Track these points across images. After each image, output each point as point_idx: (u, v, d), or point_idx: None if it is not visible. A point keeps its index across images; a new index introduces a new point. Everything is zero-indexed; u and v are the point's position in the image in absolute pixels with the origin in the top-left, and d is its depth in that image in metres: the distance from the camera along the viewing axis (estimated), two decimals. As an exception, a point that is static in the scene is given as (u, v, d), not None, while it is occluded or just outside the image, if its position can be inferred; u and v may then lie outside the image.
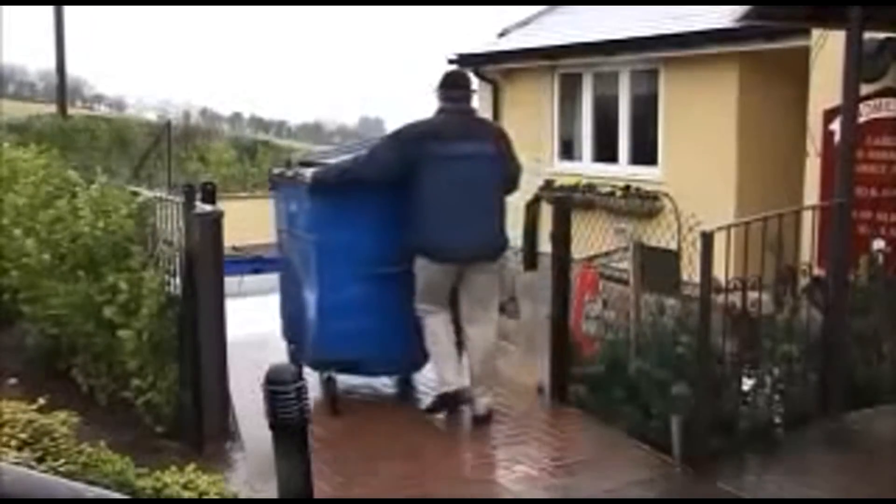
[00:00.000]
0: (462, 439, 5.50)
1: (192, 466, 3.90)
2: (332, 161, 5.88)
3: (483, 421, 5.52)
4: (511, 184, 5.89)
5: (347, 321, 5.53)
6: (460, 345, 5.69)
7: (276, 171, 6.44)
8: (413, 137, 5.47)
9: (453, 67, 5.43)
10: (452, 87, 5.62)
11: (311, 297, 5.68)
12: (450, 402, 5.57)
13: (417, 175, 5.36)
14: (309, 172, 5.76)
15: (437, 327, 5.55)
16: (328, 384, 5.70)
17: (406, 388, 6.16)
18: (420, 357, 5.79)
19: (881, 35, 6.71)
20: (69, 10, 18.94)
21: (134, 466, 3.87)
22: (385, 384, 6.28)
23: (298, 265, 5.92)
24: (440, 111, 5.59)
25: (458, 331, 5.68)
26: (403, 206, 5.44)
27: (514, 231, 12.28)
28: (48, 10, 17.91)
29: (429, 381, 6.00)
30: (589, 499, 4.60)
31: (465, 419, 5.66)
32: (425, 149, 5.37)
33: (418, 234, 5.42)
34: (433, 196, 5.36)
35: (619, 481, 4.73)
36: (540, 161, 11.22)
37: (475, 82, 12.94)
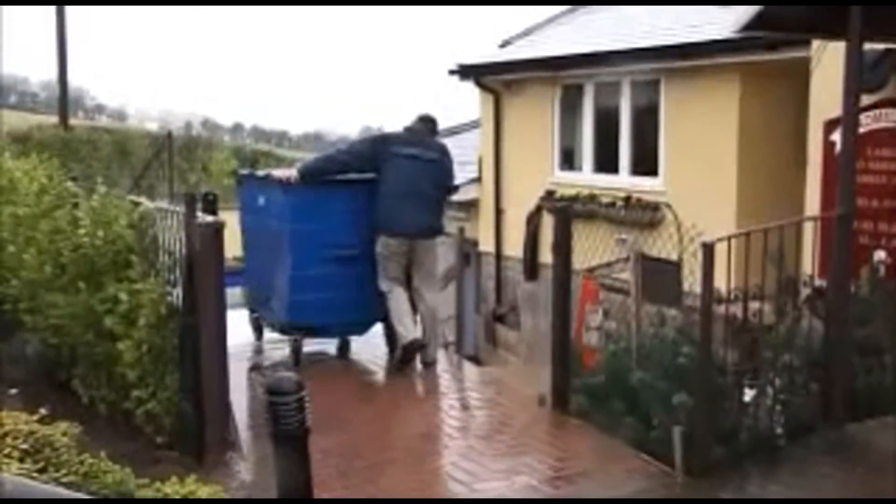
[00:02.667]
0: (462, 449, 5.48)
1: (192, 477, 3.90)
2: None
3: (430, 366, 6.98)
4: (447, 189, 7.39)
5: (313, 293, 6.67)
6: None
7: (243, 171, 8.43)
8: (380, 139, 7.19)
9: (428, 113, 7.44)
10: (421, 119, 7.27)
11: (283, 274, 6.77)
12: (411, 349, 6.84)
13: (381, 170, 6.84)
14: (280, 172, 7.25)
15: (396, 296, 6.88)
16: (295, 344, 6.88)
17: (344, 349, 7.34)
18: (366, 322, 7.15)
19: (881, 46, 6.72)
20: (71, 20, 18.97)
21: (134, 477, 3.87)
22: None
23: (268, 248, 6.95)
24: (405, 129, 7.15)
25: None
26: (356, 203, 6.87)
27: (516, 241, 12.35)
28: (51, 21, 17.95)
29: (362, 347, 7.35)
30: (589, 499, 4.60)
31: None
32: (388, 148, 6.91)
33: (379, 214, 6.81)
34: (390, 185, 6.81)
35: (620, 492, 4.72)
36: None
37: (476, 93, 13.08)
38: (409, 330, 6.85)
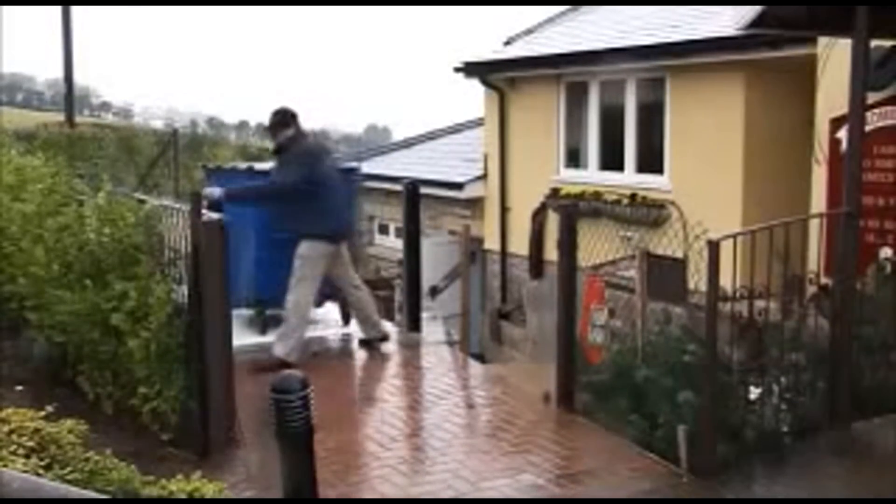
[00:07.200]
0: (468, 447, 5.48)
1: (197, 474, 3.90)
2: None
3: (384, 339, 7.60)
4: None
5: (273, 271, 7.21)
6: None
7: (212, 165, 9.20)
8: (310, 159, 7.14)
9: (284, 106, 7.39)
10: (295, 119, 7.23)
11: (248, 255, 7.44)
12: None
13: (314, 181, 6.98)
14: (244, 166, 8.41)
15: (305, 305, 7.09)
16: (261, 315, 7.76)
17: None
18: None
19: (888, 43, 6.70)
20: (77, 20, 18.97)
21: (140, 474, 3.87)
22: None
23: (234, 233, 6.95)
24: (305, 135, 7.29)
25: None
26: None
27: (521, 239, 12.36)
28: (57, 21, 17.96)
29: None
30: (589, 499, 4.59)
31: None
32: (316, 167, 7.09)
33: (320, 223, 6.98)
34: (324, 194, 6.98)
35: (625, 491, 4.71)
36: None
37: (481, 91, 13.11)
38: (295, 350, 6.94)
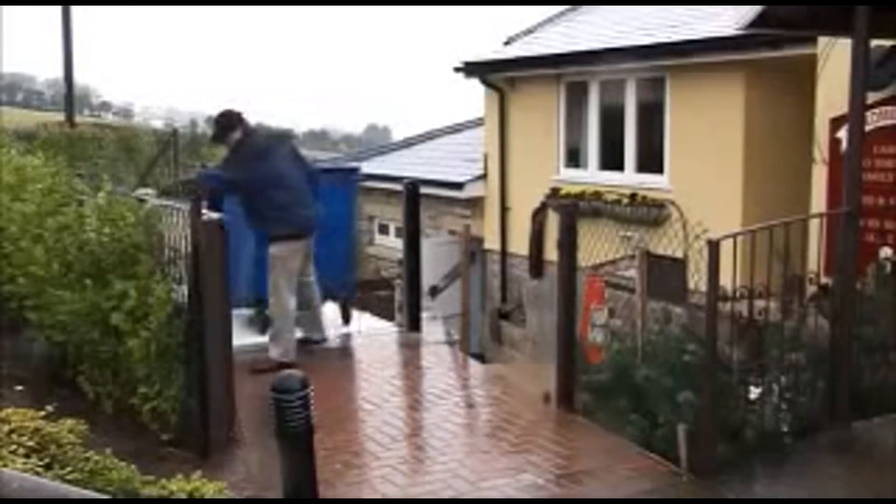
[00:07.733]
0: (468, 446, 5.48)
1: (198, 474, 3.90)
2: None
3: (322, 342, 7.63)
4: (312, 173, 7.42)
5: (263, 271, 7.17)
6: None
7: (212, 165, 8.92)
8: (259, 152, 6.98)
9: (229, 107, 7.16)
10: (241, 120, 7.05)
11: (247, 255, 7.30)
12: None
13: (262, 180, 6.83)
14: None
15: (289, 304, 7.02)
16: (261, 315, 7.65)
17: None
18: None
19: (888, 43, 6.70)
20: (77, 19, 18.95)
21: (140, 474, 3.87)
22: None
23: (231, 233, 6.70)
24: (251, 134, 7.07)
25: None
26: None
27: (521, 239, 12.35)
28: (57, 20, 17.96)
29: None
30: (589, 499, 4.59)
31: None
32: (268, 161, 6.93)
33: (281, 223, 6.89)
34: (277, 190, 6.86)
35: (625, 491, 4.71)
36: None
37: (481, 91, 13.11)
38: (290, 351, 6.97)
